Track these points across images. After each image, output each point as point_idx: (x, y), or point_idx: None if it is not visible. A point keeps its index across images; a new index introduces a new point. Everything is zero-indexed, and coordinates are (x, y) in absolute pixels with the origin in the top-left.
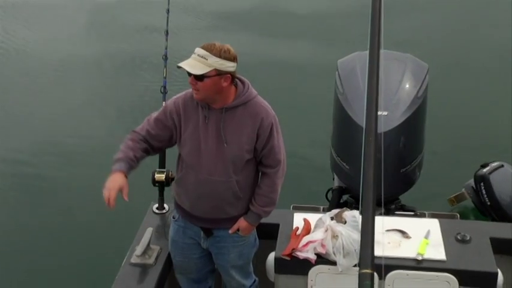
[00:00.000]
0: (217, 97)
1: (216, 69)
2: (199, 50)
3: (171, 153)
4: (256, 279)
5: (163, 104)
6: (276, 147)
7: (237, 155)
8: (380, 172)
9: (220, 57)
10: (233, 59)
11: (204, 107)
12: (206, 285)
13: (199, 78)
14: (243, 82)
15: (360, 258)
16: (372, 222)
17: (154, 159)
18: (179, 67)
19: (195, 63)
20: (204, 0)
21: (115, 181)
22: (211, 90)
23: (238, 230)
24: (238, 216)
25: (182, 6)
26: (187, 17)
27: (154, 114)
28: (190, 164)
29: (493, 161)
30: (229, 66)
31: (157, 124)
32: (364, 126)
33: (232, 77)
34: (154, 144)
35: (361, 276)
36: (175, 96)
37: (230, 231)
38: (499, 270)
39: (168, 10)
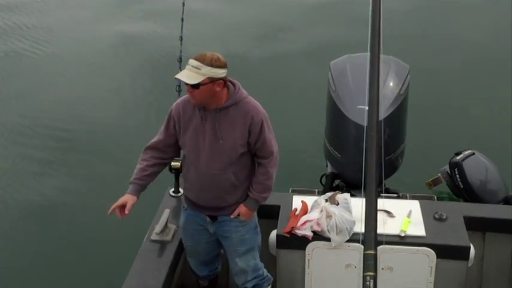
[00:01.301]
0: (211, 100)
1: (209, 77)
2: (192, 62)
3: None
4: (264, 273)
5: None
6: (268, 140)
7: (231, 149)
8: (363, 161)
9: (211, 66)
10: (223, 65)
11: (201, 109)
12: (213, 266)
13: (195, 86)
14: (234, 84)
15: (365, 241)
16: (375, 209)
17: None
18: (176, 78)
19: (191, 74)
20: (214, 10)
21: (121, 199)
22: (206, 95)
23: (239, 215)
24: (237, 203)
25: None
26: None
27: (162, 126)
28: (191, 160)
29: (466, 150)
30: (220, 73)
31: (167, 132)
32: (365, 123)
33: (224, 82)
34: (169, 152)
35: (365, 257)
36: (176, 101)
37: (231, 216)
38: (471, 245)
39: (183, 19)
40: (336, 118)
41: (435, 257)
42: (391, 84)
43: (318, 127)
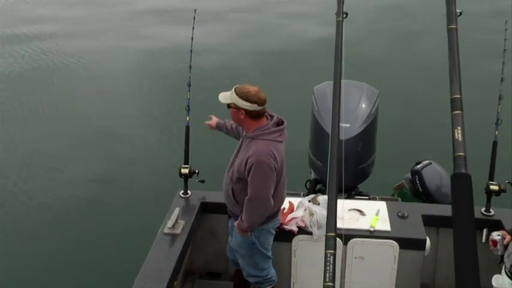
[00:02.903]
0: (241, 124)
1: (234, 103)
2: (233, 87)
3: (193, 153)
4: (268, 275)
5: (188, 119)
6: (251, 182)
7: (234, 170)
8: (342, 168)
9: (238, 95)
10: (249, 99)
11: (243, 131)
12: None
13: (227, 106)
14: (273, 122)
15: (327, 226)
16: (335, 202)
17: (181, 157)
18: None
19: (225, 95)
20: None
21: (212, 116)
22: (234, 117)
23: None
24: (238, 215)
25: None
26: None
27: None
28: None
29: (424, 160)
30: (244, 104)
31: (237, 128)
32: (331, 137)
33: (246, 113)
34: (237, 136)
35: (327, 238)
36: None
37: (234, 224)
38: (427, 238)
39: (191, 51)
40: (318, 133)
41: (398, 247)
42: (363, 105)
43: (303, 141)
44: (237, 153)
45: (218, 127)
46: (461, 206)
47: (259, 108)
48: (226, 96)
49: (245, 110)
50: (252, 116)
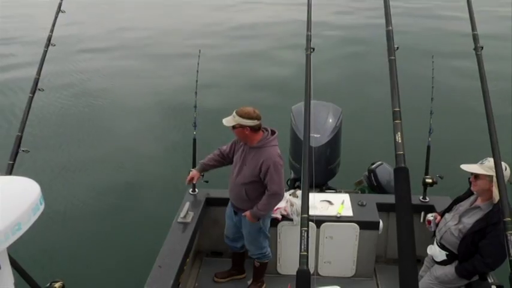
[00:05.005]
0: (246, 139)
1: (239, 124)
2: (234, 112)
3: (199, 159)
4: (266, 252)
5: (194, 133)
6: (271, 180)
7: (247, 175)
8: (315, 168)
9: (241, 117)
10: (251, 118)
11: (245, 144)
12: (238, 244)
13: (232, 128)
14: (269, 132)
15: (301, 211)
16: (307, 193)
17: (190, 163)
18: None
19: (229, 119)
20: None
21: (191, 174)
22: (240, 134)
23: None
24: (248, 209)
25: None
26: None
27: (230, 143)
28: (232, 170)
29: (377, 161)
30: (247, 122)
31: (230, 148)
32: (304, 144)
33: (251, 128)
34: (227, 158)
35: (301, 219)
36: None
37: (242, 215)
38: (380, 220)
39: (197, 81)
40: (296, 142)
41: (358, 228)
42: (330, 120)
43: (284, 148)
44: (243, 162)
45: (203, 170)
46: (402, 192)
47: (259, 122)
48: (230, 121)
49: (250, 126)
50: (255, 130)
